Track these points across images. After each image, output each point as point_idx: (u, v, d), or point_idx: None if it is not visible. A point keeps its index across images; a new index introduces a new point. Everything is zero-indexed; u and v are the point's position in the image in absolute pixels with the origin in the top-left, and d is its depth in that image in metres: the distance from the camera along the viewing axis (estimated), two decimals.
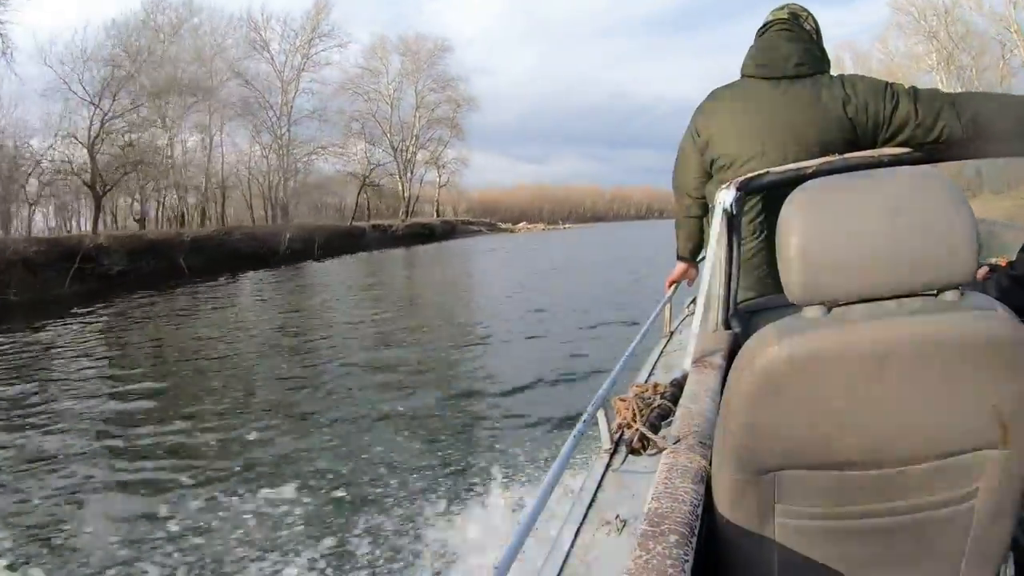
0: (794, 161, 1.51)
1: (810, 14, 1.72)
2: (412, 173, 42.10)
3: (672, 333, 2.08)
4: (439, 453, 4.08)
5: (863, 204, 0.70)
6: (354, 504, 3.41)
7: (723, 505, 0.80)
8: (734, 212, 1.46)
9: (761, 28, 1.72)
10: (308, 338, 8.73)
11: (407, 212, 40.47)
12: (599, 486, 1.07)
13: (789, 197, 0.74)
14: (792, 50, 1.62)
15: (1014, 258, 1.41)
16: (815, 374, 0.70)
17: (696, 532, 0.75)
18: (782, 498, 0.77)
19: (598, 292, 11.69)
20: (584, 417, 1.14)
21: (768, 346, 0.71)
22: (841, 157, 1.47)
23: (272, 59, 34.16)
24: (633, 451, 1.12)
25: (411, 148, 41.83)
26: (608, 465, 1.13)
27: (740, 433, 0.75)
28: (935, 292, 0.70)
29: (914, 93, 1.53)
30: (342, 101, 37.58)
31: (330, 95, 36.27)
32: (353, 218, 35.58)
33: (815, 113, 1.56)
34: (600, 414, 1.18)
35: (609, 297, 10.80)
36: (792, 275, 0.71)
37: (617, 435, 1.17)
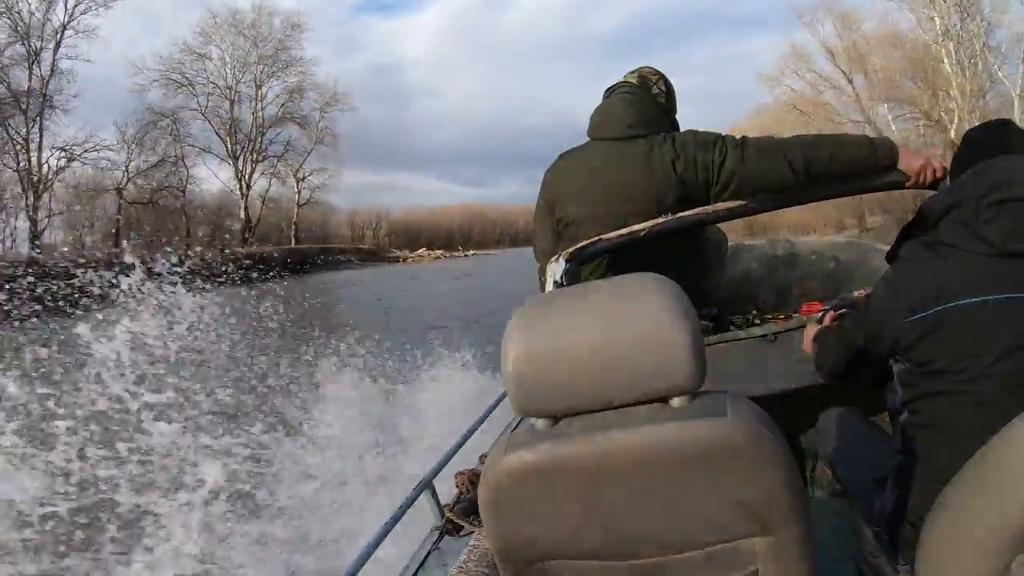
0: (630, 220, 1.55)
1: (662, 77, 1.78)
2: (249, 187, 33.03)
3: None
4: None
5: (576, 319, 0.72)
6: None
7: None
8: (564, 284, 1.48)
9: (608, 90, 1.76)
10: None
11: (246, 235, 31.52)
12: (422, 564, 1.25)
13: (513, 314, 0.76)
14: (627, 113, 1.65)
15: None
16: (542, 482, 0.73)
17: None
18: None
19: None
20: (406, 497, 1.35)
21: (499, 457, 0.74)
22: (674, 217, 1.52)
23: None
24: (451, 532, 1.32)
25: (248, 154, 32.99)
26: (436, 543, 1.32)
27: (491, 530, 0.79)
28: (665, 399, 0.71)
29: (742, 144, 1.55)
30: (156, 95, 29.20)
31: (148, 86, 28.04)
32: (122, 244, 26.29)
33: (646, 173, 1.58)
34: (427, 493, 1.39)
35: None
36: (511, 390, 0.74)
37: (449, 509, 1.36)
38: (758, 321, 1.69)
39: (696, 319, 0.72)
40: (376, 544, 1.24)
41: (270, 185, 34.16)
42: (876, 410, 1.35)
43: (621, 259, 1.62)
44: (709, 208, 1.55)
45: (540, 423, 0.75)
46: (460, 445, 1.75)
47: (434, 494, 1.45)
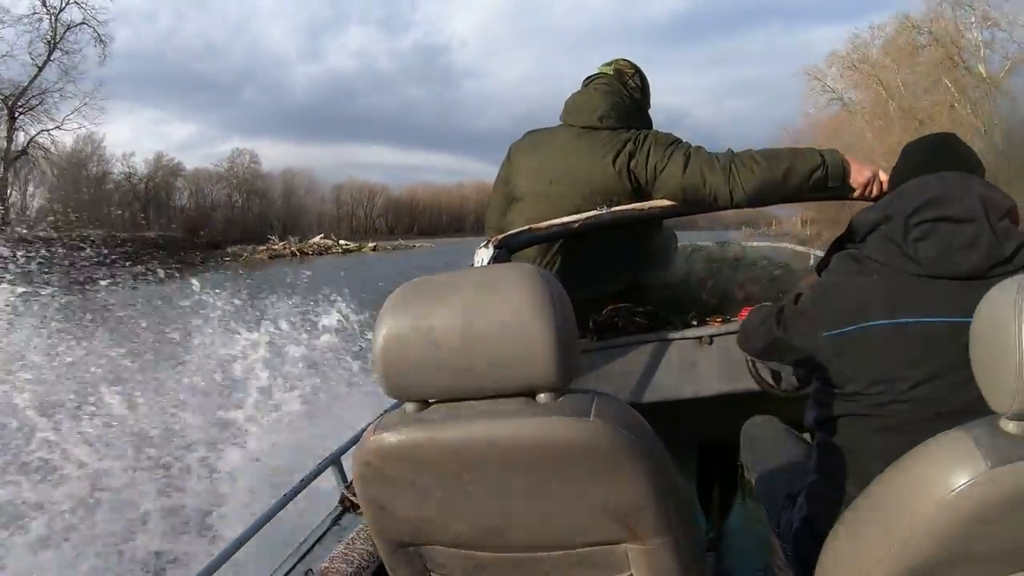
0: (574, 207, 1.56)
1: (638, 71, 1.79)
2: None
3: None
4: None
5: (446, 306, 0.71)
6: None
7: (389, 570, 0.86)
8: None
9: (586, 79, 1.77)
10: None
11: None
12: (319, 539, 1.25)
13: (388, 297, 0.76)
14: (600, 103, 1.66)
15: None
16: (407, 466, 0.74)
17: None
18: (435, 569, 0.83)
19: None
20: (311, 471, 1.40)
21: (368, 436, 0.75)
22: (609, 211, 1.53)
23: None
24: (350, 509, 1.31)
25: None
26: (337, 519, 1.32)
27: (364, 509, 0.80)
28: (532, 394, 0.71)
29: (689, 152, 1.56)
30: None
31: None
32: None
33: (603, 165, 1.59)
34: (334, 469, 1.43)
35: None
36: (379, 371, 0.74)
37: (346, 489, 1.36)
38: (695, 323, 1.64)
39: (570, 316, 0.71)
40: (273, 513, 1.31)
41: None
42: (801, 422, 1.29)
43: (567, 250, 1.65)
44: (644, 205, 1.56)
45: (410, 407, 0.75)
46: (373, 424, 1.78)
47: (341, 471, 1.48)
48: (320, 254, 39.71)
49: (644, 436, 0.71)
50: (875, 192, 1.48)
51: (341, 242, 44.22)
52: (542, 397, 0.70)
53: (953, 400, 0.89)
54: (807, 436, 1.25)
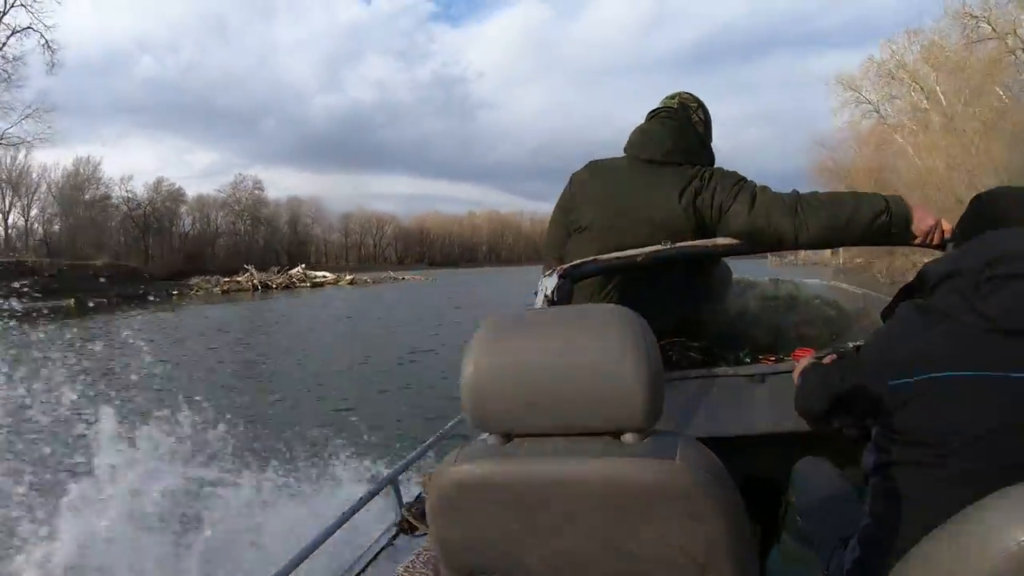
0: (639, 240, 1.55)
1: (701, 105, 1.76)
2: None
3: None
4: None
5: (537, 342, 0.72)
6: None
7: None
8: (555, 299, 1.48)
9: (651, 112, 1.75)
10: None
11: None
12: (374, 559, 1.33)
13: (478, 326, 0.77)
14: (667, 137, 1.65)
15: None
16: (486, 497, 0.74)
17: None
18: None
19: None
20: (368, 490, 1.46)
21: (448, 466, 0.75)
22: (673, 246, 1.52)
23: None
24: (407, 531, 1.39)
25: None
26: (392, 539, 1.40)
27: (436, 540, 0.80)
28: (617, 434, 0.71)
29: (755, 192, 1.55)
30: None
31: None
32: None
33: (668, 199, 1.58)
34: (390, 488, 1.50)
35: None
36: (466, 402, 0.74)
37: (407, 509, 1.43)
38: (748, 360, 1.65)
39: (658, 359, 0.72)
40: (332, 531, 1.35)
41: None
42: (854, 465, 1.27)
43: (627, 281, 1.66)
44: (708, 242, 1.56)
45: (492, 439, 0.75)
46: (429, 447, 1.84)
47: (397, 492, 1.52)
48: (287, 287, 36.76)
49: (723, 479, 0.72)
50: (936, 240, 1.46)
51: (318, 273, 41.23)
52: (627, 437, 0.71)
53: (1020, 454, 0.90)
54: (858, 479, 1.22)
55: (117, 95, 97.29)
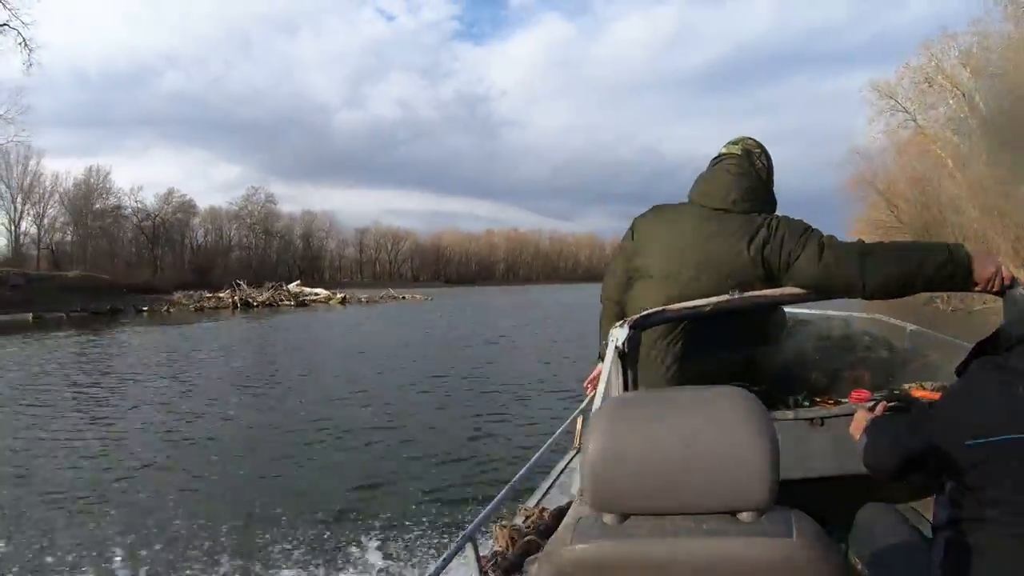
0: (706, 289, 1.57)
1: (764, 151, 1.77)
2: None
3: None
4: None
5: (660, 423, 0.74)
6: None
7: None
8: (626, 350, 1.50)
9: (714, 159, 1.77)
10: None
11: None
12: None
13: (599, 409, 0.80)
14: (733, 185, 1.66)
15: (928, 386, 1.51)
16: None
17: None
18: None
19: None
20: (450, 549, 1.40)
21: (562, 546, 0.76)
22: (742, 295, 1.54)
23: None
24: None
25: None
26: None
27: None
28: (733, 512, 0.73)
29: (823, 242, 1.56)
30: None
31: None
32: None
33: (736, 248, 1.60)
34: (470, 545, 1.45)
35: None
36: (587, 481, 0.75)
37: (488, 565, 1.38)
38: (807, 403, 1.68)
39: (775, 439, 0.73)
40: None
41: None
42: (916, 509, 1.31)
43: (691, 326, 1.67)
44: (776, 291, 1.58)
45: (608, 518, 0.76)
46: (505, 497, 1.80)
47: (475, 547, 1.49)
48: (270, 305, 35.15)
49: (834, 552, 0.73)
50: (996, 287, 1.48)
51: (308, 291, 39.72)
52: (745, 516, 0.72)
53: None
54: (921, 526, 1.27)
55: (142, 108, 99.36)
